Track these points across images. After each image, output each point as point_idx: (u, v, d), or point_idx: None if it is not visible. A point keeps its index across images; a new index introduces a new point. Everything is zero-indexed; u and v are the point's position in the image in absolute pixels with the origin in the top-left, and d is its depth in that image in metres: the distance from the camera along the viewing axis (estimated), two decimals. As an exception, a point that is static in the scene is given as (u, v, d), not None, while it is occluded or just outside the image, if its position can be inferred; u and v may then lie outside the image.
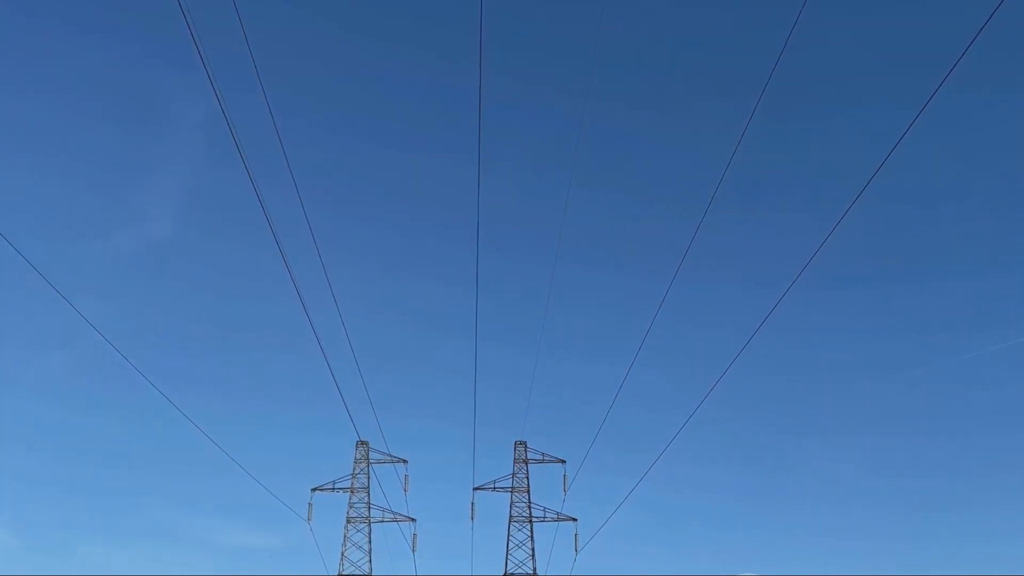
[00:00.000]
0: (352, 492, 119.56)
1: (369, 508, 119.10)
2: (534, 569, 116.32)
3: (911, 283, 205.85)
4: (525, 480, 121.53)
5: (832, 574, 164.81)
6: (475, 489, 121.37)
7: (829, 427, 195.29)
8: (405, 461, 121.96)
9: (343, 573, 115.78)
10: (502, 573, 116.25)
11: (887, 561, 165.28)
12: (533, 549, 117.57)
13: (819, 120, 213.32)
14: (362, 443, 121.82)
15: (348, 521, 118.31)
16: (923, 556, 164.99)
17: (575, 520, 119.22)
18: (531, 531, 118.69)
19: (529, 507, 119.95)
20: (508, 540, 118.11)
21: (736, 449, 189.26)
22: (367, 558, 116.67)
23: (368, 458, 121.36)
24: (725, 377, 52.36)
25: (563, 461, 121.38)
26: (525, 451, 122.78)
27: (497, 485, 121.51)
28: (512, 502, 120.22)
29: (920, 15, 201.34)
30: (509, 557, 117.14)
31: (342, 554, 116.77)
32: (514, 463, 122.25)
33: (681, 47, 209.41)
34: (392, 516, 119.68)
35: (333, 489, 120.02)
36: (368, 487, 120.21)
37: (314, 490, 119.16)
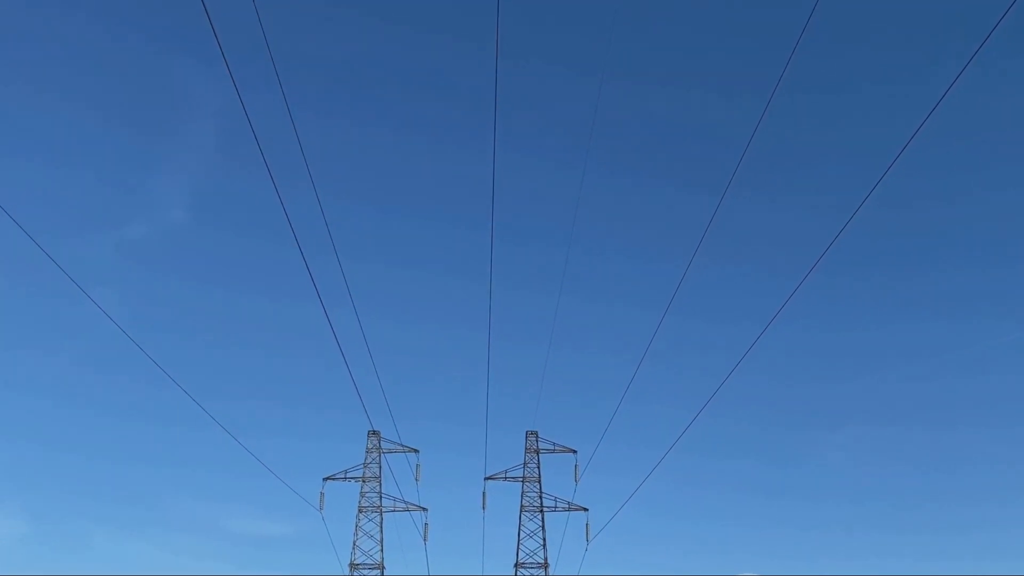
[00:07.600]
0: (364, 481, 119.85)
1: (381, 497, 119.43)
2: (545, 558, 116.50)
3: (928, 270, 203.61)
4: (536, 470, 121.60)
5: (835, 574, 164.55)
6: (486, 479, 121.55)
7: (845, 419, 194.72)
8: (416, 451, 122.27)
9: (355, 562, 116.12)
10: (514, 562, 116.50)
11: (903, 553, 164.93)
12: (544, 539, 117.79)
13: (841, 98, 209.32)
14: (374, 433, 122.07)
15: (360, 510, 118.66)
16: (939, 549, 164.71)
17: (586, 510, 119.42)
18: (542, 521, 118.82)
19: (540, 497, 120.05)
20: (519, 529, 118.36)
21: (749, 442, 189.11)
22: (379, 547, 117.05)
23: (380, 447, 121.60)
24: (738, 369, 52.23)
25: (574, 451, 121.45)
26: (536, 441, 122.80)
27: (508, 475, 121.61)
28: (523, 492, 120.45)
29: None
30: (520, 546, 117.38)
31: (354, 543, 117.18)
32: (525, 453, 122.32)
33: (699, 26, 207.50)
34: (404, 505, 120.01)
35: (345, 478, 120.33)
36: (380, 476, 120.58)
37: (326, 479, 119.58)
